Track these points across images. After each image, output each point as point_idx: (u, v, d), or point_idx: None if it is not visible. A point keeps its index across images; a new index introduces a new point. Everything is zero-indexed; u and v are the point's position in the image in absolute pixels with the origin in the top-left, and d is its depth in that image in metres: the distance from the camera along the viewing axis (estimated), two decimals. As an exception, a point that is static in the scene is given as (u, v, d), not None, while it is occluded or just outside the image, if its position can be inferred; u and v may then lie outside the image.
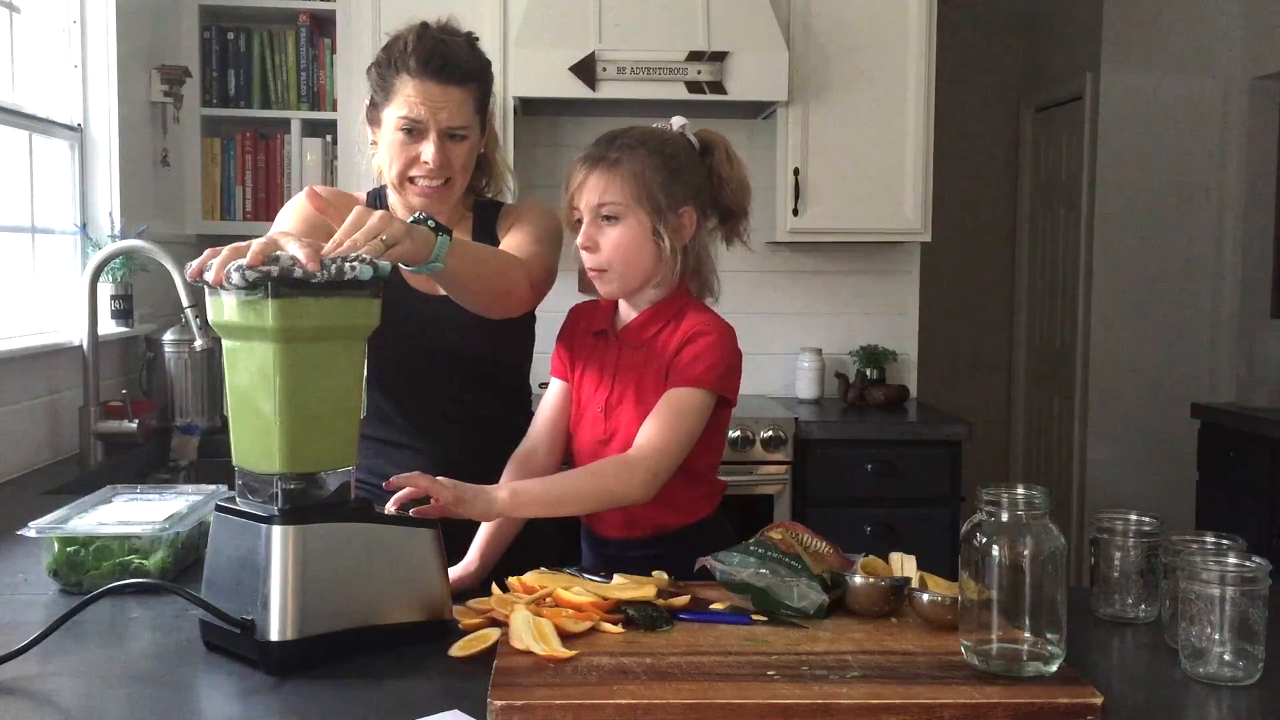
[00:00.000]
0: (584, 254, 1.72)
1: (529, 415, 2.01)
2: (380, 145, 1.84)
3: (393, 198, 1.88)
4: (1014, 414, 5.74)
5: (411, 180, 1.81)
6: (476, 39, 1.86)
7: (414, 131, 1.78)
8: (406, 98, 1.77)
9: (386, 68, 1.79)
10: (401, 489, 1.48)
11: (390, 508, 1.47)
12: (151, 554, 1.61)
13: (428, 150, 1.78)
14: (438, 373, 1.85)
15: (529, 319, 1.92)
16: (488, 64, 1.86)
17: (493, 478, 1.69)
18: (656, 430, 1.64)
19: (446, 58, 1.78)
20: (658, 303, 1.74)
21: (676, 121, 1.78)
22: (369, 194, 1.94)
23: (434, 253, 1.48)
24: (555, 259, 1.85)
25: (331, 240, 1.38)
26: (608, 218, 1.69)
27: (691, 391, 1.66)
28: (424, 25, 1.81)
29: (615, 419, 1.74)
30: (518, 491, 1.59)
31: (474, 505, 1.52)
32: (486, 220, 1.92)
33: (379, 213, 1.41)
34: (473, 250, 1.67)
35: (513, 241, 1.83)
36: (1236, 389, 4.20)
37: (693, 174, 1.73)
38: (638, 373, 1.73)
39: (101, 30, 3.05)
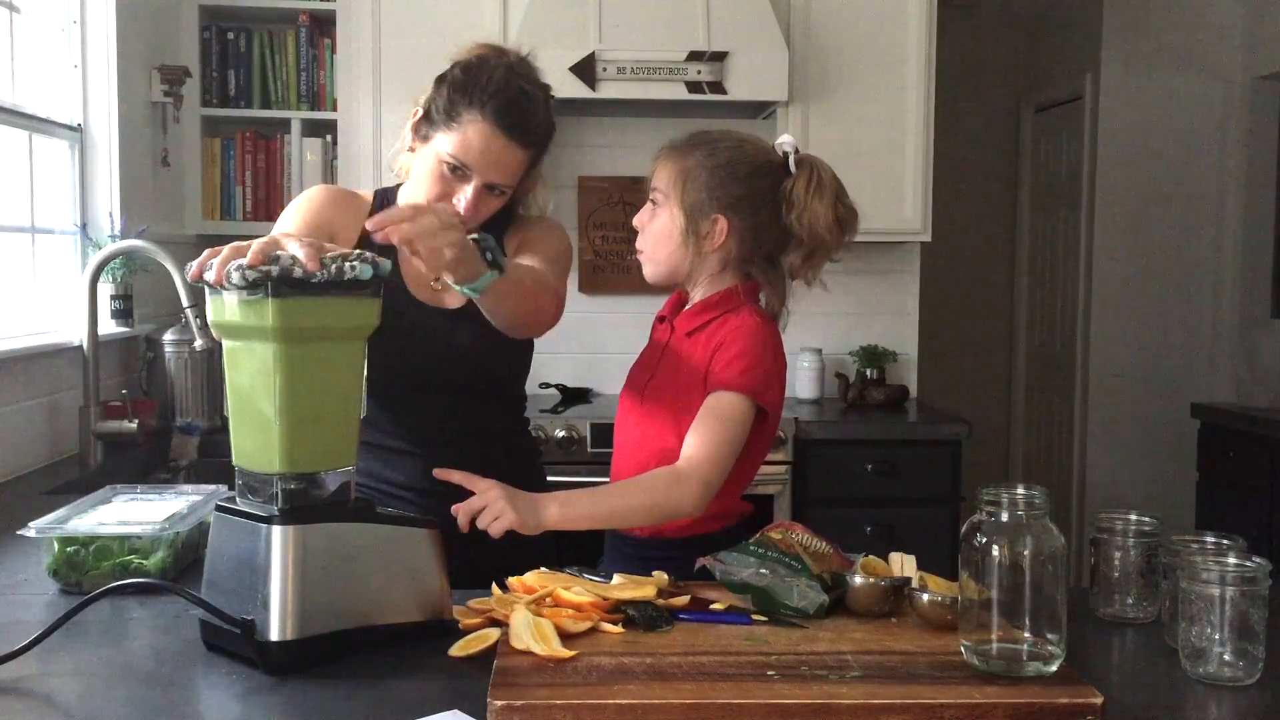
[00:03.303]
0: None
1: (525, 423, 2.01)
2: (417, 159, 1.78)
3: (402, 199, 1.84)
4: (1014, 414, 5.74)
5: None
6: (553, 96, 1.79)
7: (459, 171, 1.72)
8: (466, 139, 1.69)
9: (460, 94, 1.70)
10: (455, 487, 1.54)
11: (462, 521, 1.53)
12: (151, 554, 1.61)
13: (463, 197, 1.72)
14: (439, 385, 1.83)
15: None
16: (554, 126, 1.80)
17: None
18: (702, 440, 1.65)
19: (526, 117, 1.71)
20: (708, 298, 1.77)
21: (784, 138, 1.78)
22: (376, 193, 1.91)
23: (478, 282, 1.46)
24: (567, 280, 1.85)
25: (391, 219, 1.35)
26: (655, 203, 1.76)
27: (728, 395, 1.67)
28: (509, 67, 1.73)
29: (651, 402, 1.79)
30: (566, 505, 1.60)
31: (523, 515, 1.53)
32: (494, 227, 1.87)
33: (443, 214, 1.39)
34: (513, 276, 1.61)
35: (529, 262, 1.79)
36: (1236, 389, 4.20)
37: (748, 185, 1.72)
38: (679, 363, 1.77)
39: (101, 30, 3.05)
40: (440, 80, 1.76)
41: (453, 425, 1.85)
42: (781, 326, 1.80)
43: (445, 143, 1.71)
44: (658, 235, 1.75)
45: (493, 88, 1.70)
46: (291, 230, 1.74)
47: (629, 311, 3.90)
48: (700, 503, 1.63)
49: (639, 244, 1.80)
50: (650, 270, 1.79)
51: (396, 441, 1.84)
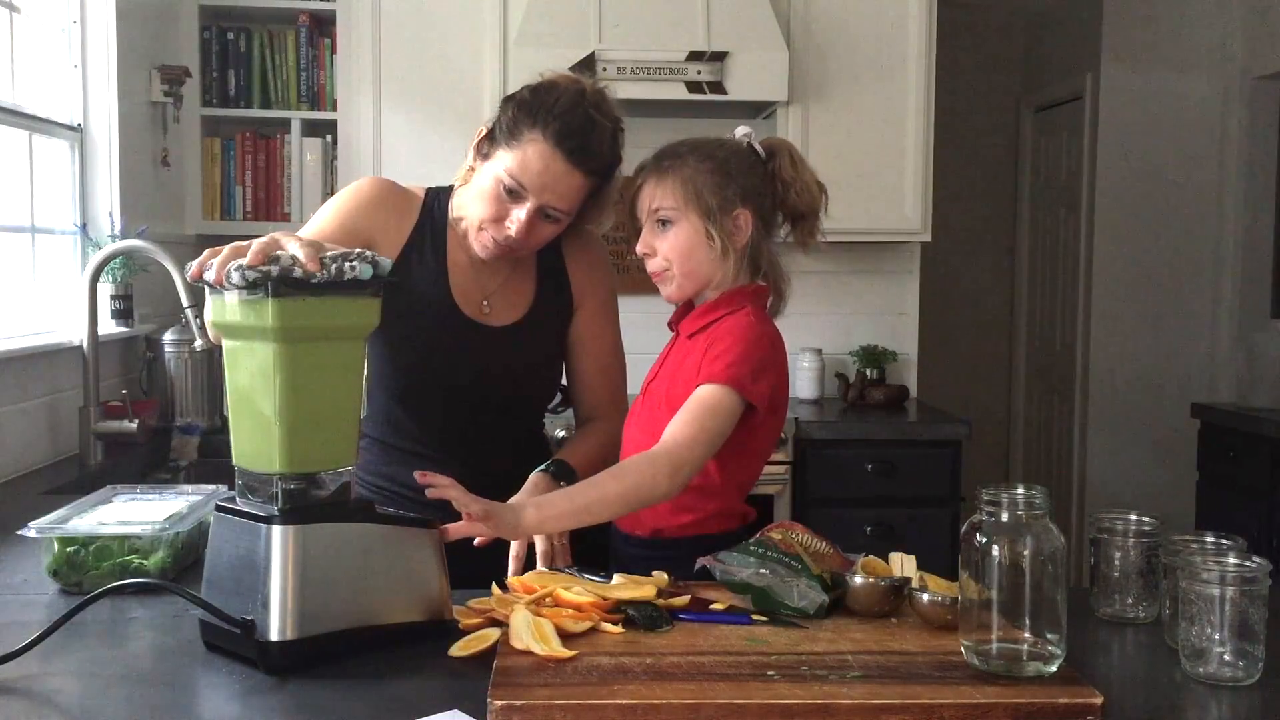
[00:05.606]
0: (645, 260, 1.76)
1: (543, 430, 2.01)
2: (476, 176, 1.77)
3: (455, 206, 1.84)
4: (1014, 414, 5.74)
5: (487, 231, 1.74)
6: (623, 128, 1.77)
7: (514, 192, 1.70)
8: (525, 159, 1.68)
9: (524, 113, 1.69)
10: (433, 486, 1.50)
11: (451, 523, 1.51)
12: (151, 554, 1.61)
13: (516, 218, 1.71)
14: (473, 398, 1.83)
15: (563, 357, 1.94)
16: (620, 159, 1.78)
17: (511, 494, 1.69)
18: (679, 426, 1.64)
19: (588, 142, 1.69)
20: (711, 300, 1.77)
21: (740, 130, 1.79)
22: (428, 191, 1.88)
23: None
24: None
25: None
26: (662, 222, 1.73)
27: (713, 388, 1.66)
28: (580, 92, 1.72)
29: (649, 403, 1.79)
30: (543, 505, 1.59)
31: (501, 522, 1.51)
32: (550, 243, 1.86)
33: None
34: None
35: (592, 332, 1.91)
36: (1236, 389, 4.20)
37: (747, 177, 1.74)
38: (678, 364, 1.77)
39: (101, 30, 3.05)
40: (508, 100, 1.75)
41: (478, 435, 1.85)
42: (783, 304, 1.81)
43: (505, 161, 1.70)
44: (684, 249, 1.72)
45: (558, 109, 1.68)
46: (323, 230, 1.75)
47: (628, 311, 3.89)
48: (672, 485, 1.60)
49: (657, 265, 1.75)
50: (677, 287, 1.75)
51: (422, 447, 1.84)
